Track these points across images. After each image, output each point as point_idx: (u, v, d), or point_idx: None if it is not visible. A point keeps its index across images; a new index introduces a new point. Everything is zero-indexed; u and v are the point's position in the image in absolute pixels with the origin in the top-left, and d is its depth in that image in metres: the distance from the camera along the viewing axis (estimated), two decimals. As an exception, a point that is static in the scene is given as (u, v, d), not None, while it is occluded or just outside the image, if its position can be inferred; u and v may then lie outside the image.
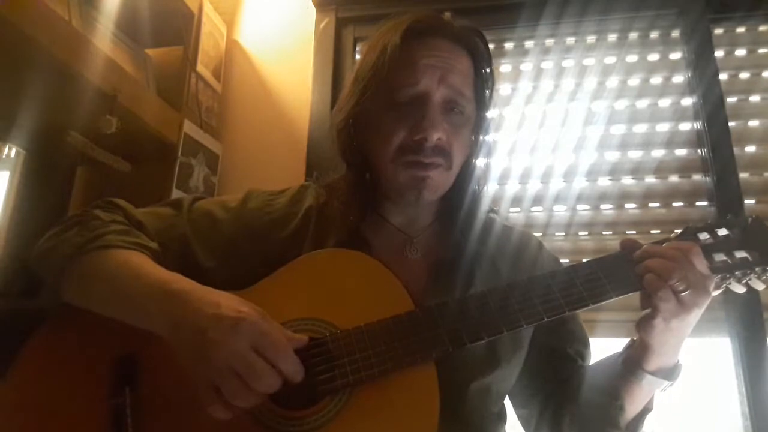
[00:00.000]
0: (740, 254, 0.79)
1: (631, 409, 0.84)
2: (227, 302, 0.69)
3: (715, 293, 0.84)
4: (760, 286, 0.81)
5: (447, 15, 0.90)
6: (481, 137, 0.93)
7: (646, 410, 0.86)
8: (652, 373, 0.81)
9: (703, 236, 0.82)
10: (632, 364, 0.83)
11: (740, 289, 0.82)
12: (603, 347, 0.98)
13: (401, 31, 0.84)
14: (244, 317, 0.66)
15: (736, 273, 0.80)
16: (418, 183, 0.85)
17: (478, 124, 0.92)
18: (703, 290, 0.76)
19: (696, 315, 0.77)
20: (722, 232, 0.82)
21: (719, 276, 0.80)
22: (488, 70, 0.91)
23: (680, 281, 0.74)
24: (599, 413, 0.84)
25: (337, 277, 0.82)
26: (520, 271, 0.92)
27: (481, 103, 0.92)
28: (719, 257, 0.80)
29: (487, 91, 0.92)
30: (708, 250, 0.80)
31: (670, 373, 0.82)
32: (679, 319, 0.76)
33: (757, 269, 0.79)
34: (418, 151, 0.83)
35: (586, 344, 0.96)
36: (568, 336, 0.95)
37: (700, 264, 0.77)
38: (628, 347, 0.86)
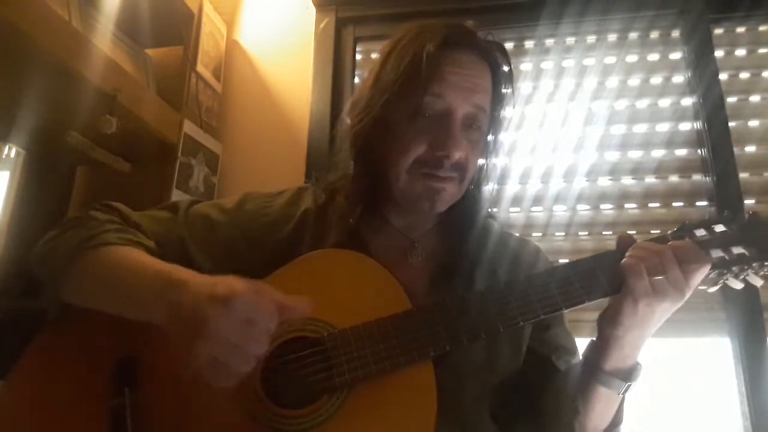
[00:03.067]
0: (737, 250, 0.79)
1: (591, 417, 0.84)
2: (222, 281, 0.69)
3: (713, 289, 0.84)
4: (758, 282, 0.81)
5: (471, 24, 0.90)
6: (489, 142, 0.93)
7: (615, 424, 0.86)
8: (609, 373, 0.81)
9: (700, 232, 0.81)
10: (590, 364, 0.83)
11: (738, 285, 0.82)
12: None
13: (436, 41, 0.83)
14: (236, 292, 0.66)
15: (734, 269, 0.80)
16: (433, 194, 0.85)
17: (489, 131, 0.92)
18: (678, 289, 0.76)
19: (664, 310, 0.77)
20: (719, 228, 0.82)
21: (716, 272, 0.80)
22: (507, 84, 0.92)
23: (657, 267, 0.75)
24: (553, 414, 0.84)
25: (335, 277, 0.83)
26: (518, 275, 0.92)
27: (495, 114, 0.92)
28: (716, 253, 0.79)
29: (502, 103, 0.92)
30: (705, 246, 0.80)
31: (628, 374, 0.81)
32: (647, 304, 0.75)
33: (754, 265, 0.79)
34: (437, 167, 0.84)
35: (573, 353, 0.94)
36: (554, 344, 0.93)
37: (683, 264, 0.77)
38: (587, 349, 0.86)
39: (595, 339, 0.84)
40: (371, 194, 0.92)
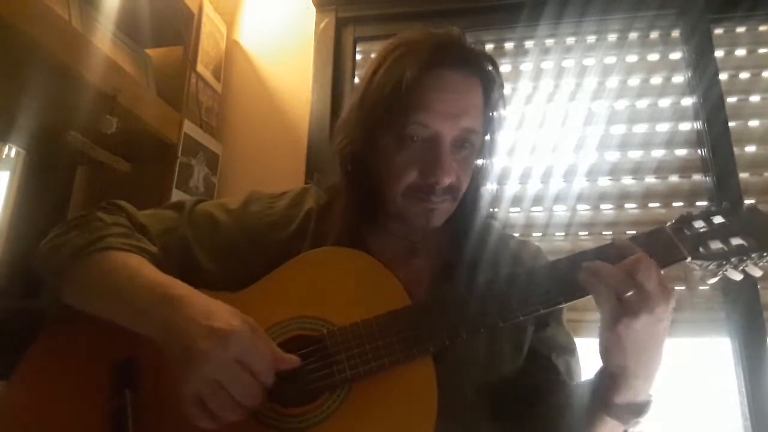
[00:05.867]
0: (736, 241, 0.79)
1: None
2: (220, 313, 0.68)
3: (712, 280, 0.83)
4: (757, 273, 0.81)
5: (456, 35, 0.87)
6: (487, 149, 0.93)
7: None
8: (616, 407, 0.75)
9: (699, 224, 0.81)
10: (599, 393, 0.78)
11: (737, 276, 0.82)
12: (589, 347, 0.94)
13: (417, 66, 0.81)
14: (233, 330, 0.66)
15: (732, 260, 0.79)
16: (428, 213, 0.85)
17: (486, 145, 0.91)
18: (654, 296, 0.69)
19: (648, 323, 0.70)
20: (718, 219, 0.82)
21: (715, 263, 0.79)
22: (499, 95, 0.90)
23: (620, 283, 0.69)
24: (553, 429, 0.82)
25: (334, 275, 0.82)
26: None
27: (490, 126, 0.91)
28: (715, 245, 0.79)
29: (495, 109, 0.90)
30: (704, 238, 0.80)
31: (639, 409, 0.75)
32: (625, 325, 0.69)
33: (753, 255, 0.79)
34: (430, 192, 0.83)
35: (572, 352, 0.93)
36: (552, 343, 0.91)
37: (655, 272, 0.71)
38: (596, 378, 0.81)
39: (601, 369, 0.80)
40: (366, 206, 0.91)
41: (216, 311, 0.68)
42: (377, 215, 0.93)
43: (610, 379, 0.76)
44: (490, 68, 0.88)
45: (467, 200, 0.93)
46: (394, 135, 0.84)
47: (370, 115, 0.86)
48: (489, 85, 0.88)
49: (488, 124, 0.90)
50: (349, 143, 0.90)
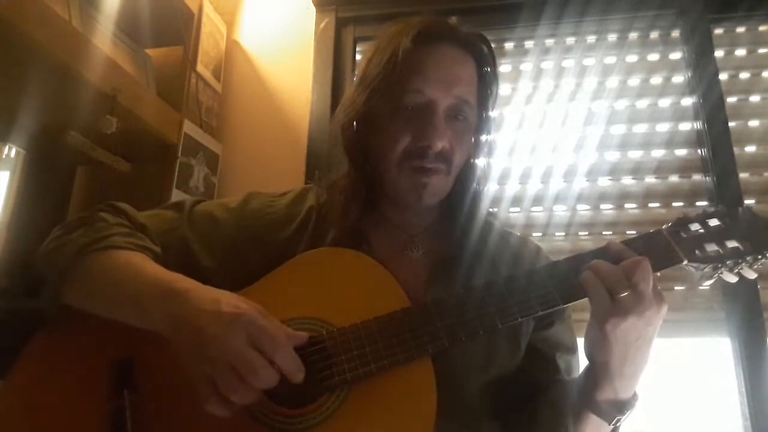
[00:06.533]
0: (731, 244, 0.80)
1: None
2: (226, 299, 0.69)
3: (708, 283, 0.84)
4: (751, 275, 0.82)
5: (453, 19, 0.91)
6: (482, 139, 0.94)
7: None
8: (598, 404, 0.78)
9: (695, 227, 0.82)
10: (583, 390, 0.80)
11: (732, 279, 0.83)
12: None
13: (411, 35, 0.85)
14: (242, 313, 0.67)
15: (728, 262, 0.80)
16: (419, 188, 0.86)
17: (480, 127, 0.93)
18: (647, 300, 0.71)
19: (636, 325, 0.71)
20: (713, 222, 0.82)
21: (711, 266, 0.80)
22: (492, 74, 0.92)
23: (617, 283, 0.71)
24: (545, 427, 0.83)
25: (333, 276, 0.83)
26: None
27: (484, 106, 0.93)
28: (711, 247, 0.80)
29: (489, 96, 0.93)
30: (700, 241, 0.80)
31: (621, 406, 0.77)
32: (613, 324, 0.71)
33: (748, 258, 0.80)
34: (422, 157, 0.85)
35: (572, 351, 0.93)
36: (555, 342, 0.92)
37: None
38: (581, 376, 0.84)
39: (587, 367, 0.82)
40: (367, 190, 0.92)
41: (222, 298, 0.69)
42: (376, 202, 0.94)
43: (593, 377, 0.79)
44: (484, 48, 0.91)
45: (467, 196, 0.94)
46: (391, 107, 0.86)
47: (368, 89, 0.88)
48: (483, 63, 0.91)
49: (482, 104, 0.92)
50: (347, 118, 0.91)
